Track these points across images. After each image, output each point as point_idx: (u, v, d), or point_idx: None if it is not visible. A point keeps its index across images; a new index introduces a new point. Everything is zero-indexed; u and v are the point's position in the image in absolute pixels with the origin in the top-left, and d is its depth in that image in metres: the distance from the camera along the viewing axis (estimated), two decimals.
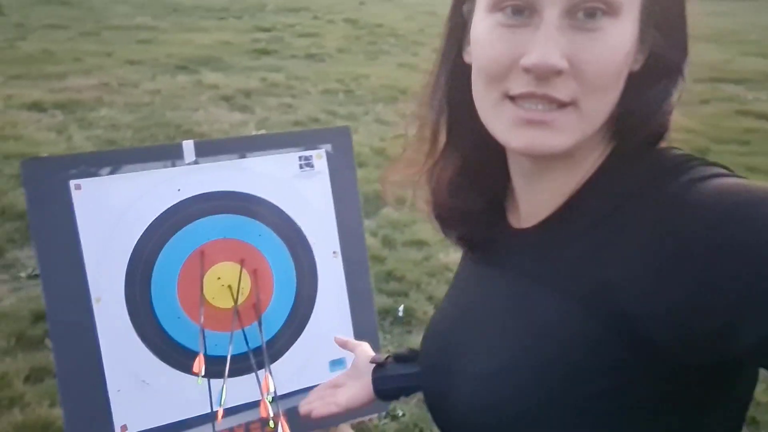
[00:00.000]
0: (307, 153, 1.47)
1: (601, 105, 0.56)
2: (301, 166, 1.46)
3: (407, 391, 0.94)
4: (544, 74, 0.53)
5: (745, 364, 0.55)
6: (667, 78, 0.58)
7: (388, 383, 0.94)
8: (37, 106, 5.03)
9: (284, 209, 1.46)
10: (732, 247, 0.47)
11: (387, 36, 8.22)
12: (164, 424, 1.40)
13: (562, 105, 0.55)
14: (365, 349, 1.04)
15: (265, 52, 7.03)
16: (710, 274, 0.47)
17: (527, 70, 0.54)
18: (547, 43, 0.53)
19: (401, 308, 2.70)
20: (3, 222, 3.29)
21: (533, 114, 0.55)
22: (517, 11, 0.54)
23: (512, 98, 0.56)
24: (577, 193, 0.60)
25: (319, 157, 1.47)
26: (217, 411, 1.26)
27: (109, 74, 5.89)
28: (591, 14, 0.53)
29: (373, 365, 0.97)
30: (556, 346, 0.56)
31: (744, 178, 0.52)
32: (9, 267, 2.97)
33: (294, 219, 1.48)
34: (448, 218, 0.72)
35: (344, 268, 1.54)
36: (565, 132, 0.55)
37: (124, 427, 1.39)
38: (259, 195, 1.44)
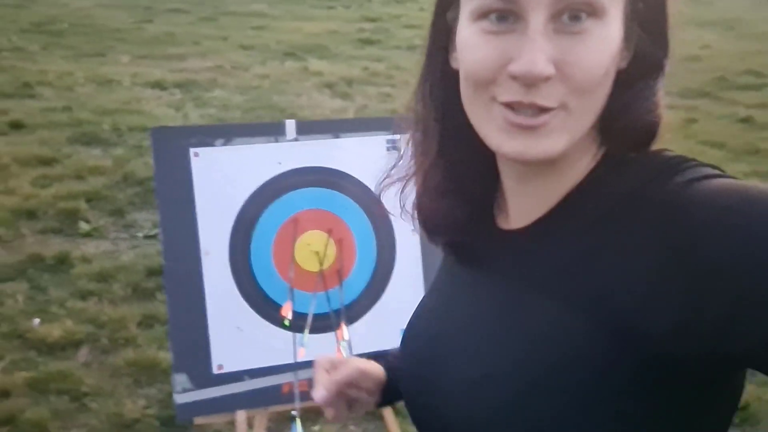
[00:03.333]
0: (394, 136, 1.61)
1: (590, 106, 0.55)
2: (387, 149, 1.61)
3: None
4: (532, 82, 0.53)
5: (733, 373, 0.55)
6: (651, 75, 0.58)
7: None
8: (159, 85, 5.47)
9: (370, 186, 1.61)
10: (727, 248, 0.47)
11: None
12: (254, 367, 1.60)
13: (550, 109, 0.54)
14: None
15: (369, 42, 7.25)
16: (706, 276, 0.47)
17: (515, 78, 0.53)
18: (533, 50, 0.52)
19: None
20: (126, 187, 3.67)
21: (522, 119, 0.54)
22: (502, 18, 0.54)
23: (501, 103, 0.55)
24: (569, 195, 0.59)
25: (404, 140, 1.61)
26: (300, 352, 1.43)
27: (223, 57, 6.30)
28: (575, 17, 0.52)
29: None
30: (546, 350, 0.55)
31: (736, 178, 0.52)
32: (129, 227, 3.32)
33: (378, 196, 1.63)
34: (434, 225, 0.70)
35: (421, 244, 1.67)
36: (555, 135, 0.54)
37: (220, 366, 1.59)
38: (348, 172, 1.60)
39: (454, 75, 0.61)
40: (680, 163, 0.55)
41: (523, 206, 0.63)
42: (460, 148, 0.65)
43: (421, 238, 1.68)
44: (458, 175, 0.66)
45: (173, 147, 1.49)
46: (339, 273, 1.61)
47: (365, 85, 5.73)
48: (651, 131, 0.57)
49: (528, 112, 0.54)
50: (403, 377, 0.72)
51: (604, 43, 0.53)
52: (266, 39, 7.06)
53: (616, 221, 0.54)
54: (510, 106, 0.55)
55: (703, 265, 0.47)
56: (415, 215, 0.71)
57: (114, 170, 3.82)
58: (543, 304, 0.57)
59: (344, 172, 1.58)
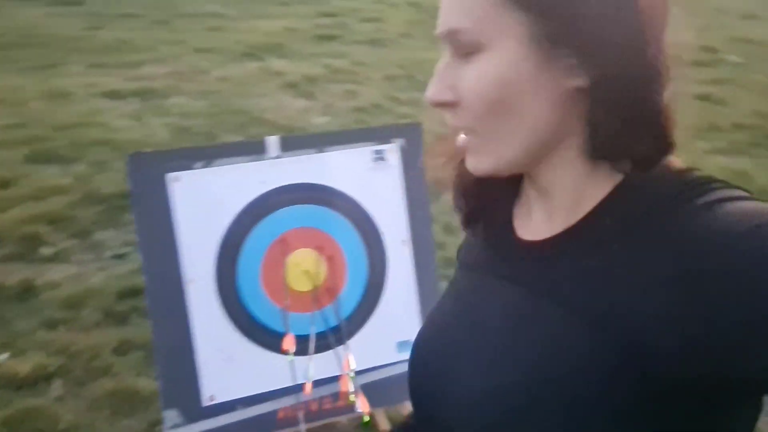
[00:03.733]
0: (381, 147, 1.56)
1: (497, 129, 0.58)
2: (374, 159, 1.56)
3: None
4: (434, 106, 0.60)
5: (745, 399, 0.55)
6: (630, 88, 0.55)
7: None
8: (115, 95, 5.28)
9: (358, 200, 1.56)
10: (746, 272, 0.47)
11: None
12: (247, 395, 1.53)
13: (470, 132, 0.60)
14: None
15: (328, 38, 7.14)
16: (722, 300, 0.47)
17: None
18: (434, 80, 0.59)
19: None
20: (89, 205, 3.52)
21: (461, 141, 0.62)
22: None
23: None
24: (592, 211, 0.60)
25: (392, 151, 1.56)
26: (304, 384, 1.37)
27: (181, 62, 6.12)
28: (466, 53, 0.57)
29: None
30: (560, 363, 0.55)
31: (761, 200, 0.52)
32: (95, 248, 3.19)
33: (367, 209, 1.57)
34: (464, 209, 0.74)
35: (413, 256, 1.63)
36: (478, 155, 0.61)
37: (212, 397, 1.53)
38: (335, 187, 1.55)
39: None
40: (704, 184, 0.55)
41: (545, 219, 0.64)
42: None
43: (413, 249, 1.64)
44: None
45: (151, 172, 1.41)
46: (331, 291, 1.55)
47: (329, 83, 5.64)
48: (665, 141, 0.56)
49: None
50: (411, 384, 0.72)
51: (490, 72, 0.56)
52: (223, 40, 6.90)
53: (634, 240, 0.54)
54: None
55: (719, 289, 0.48)
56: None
57: (75, 188, 3.67)
58: (556, 316, 0.57)
59: (331, 187, 1.53)
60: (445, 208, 3.56)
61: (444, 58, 0.59)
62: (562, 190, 0.61)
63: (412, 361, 0.73)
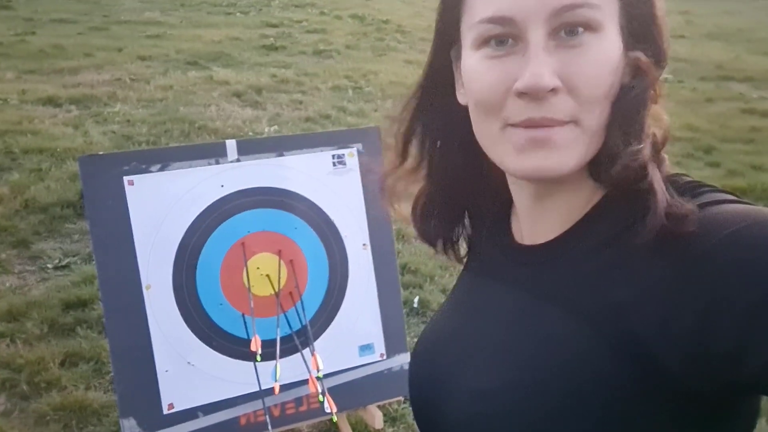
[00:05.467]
0: (340, 152, 1.57)
1: (600, 119, 0.55)
2: (334, 164, 1.57)
3: None
4: (539, 95, 0.53)
5: (745, 397, 0.55)
6: (647, 86, 0.57)
7: None
8: (52, 101, 5.10)
9: (318, 204, 1.57)
10: (739, 269, 0.47)
11: (394, 32, 8.29)
12: (207, 403, 1.51)
13: (562, 123, 0.54)
14: None
15: (273, 49, 7.11)
16: (718, 298, 0.47)
17: (521, 95, 0.54)
18: (537, 64, 0.53)
19: (416, 300, 2.80)
20: (27, 215, 3.38)
21: (536, 133, 0.55)
22: (501, 42, 0.55)
23: (514, 125, 0.56)
24: (587, 213, 0.60)
25: (351, 155, 1.58)
26: (274, 387, 1.36)
27: (120, 69, 5.97)
28: (572, 32, 0.53)
29: None
30: (562, 364, 0.55)
31: (751, 204, 0.53)
32: (36, 258, 3.06)
33: (327, 213, 1.58)
34: (429, 239, 0.74)
35: (373, 259, 1.64)
36: (569, 150, 0.55)
37: (171, 405, 1.49)
38: (295, 191, 1.55)
39: (460, 111, 0.63)
40: (695, 188, 0.55)
41: (540, 224, 0.63)
42: (447, 176, 0.68)
43: (373, 253, 1.65)
44: (437, 201, 0.70)
45: (105, 176, 1.37)
46: (292, 295, 1.55)
47: (275, 93, 5.61)
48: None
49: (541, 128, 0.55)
50: (412, 385, 0.71)
51: (603, 55, 0.54)
52: (165, 48, 6.77)
53: (630, 243, 0.54)
54: (523, 126, 0.55)
55: (714, 287, 0.48)
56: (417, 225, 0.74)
57: (12, 198, 3.52)
58: (559, 319, 0.57)
59: (291, 191, 1.53)
60: (396, 216, 3.60)
61: (537, 41, 0.53)
62: (566, 197, 0.60)
63: (413, 368, 0.72)
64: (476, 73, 0.57)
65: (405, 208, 0.74)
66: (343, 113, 5.24)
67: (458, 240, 0.74)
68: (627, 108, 0.55)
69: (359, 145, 1.61)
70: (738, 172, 4.54)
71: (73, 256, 3.06)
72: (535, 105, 0.54)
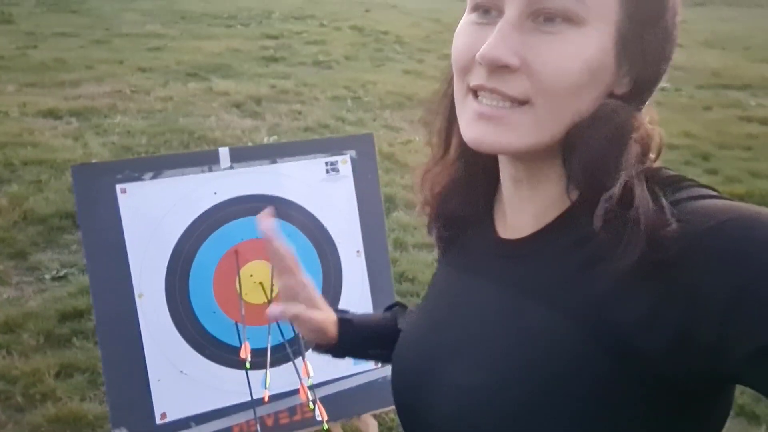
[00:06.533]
0: (333, 158, 1.57)
1: (558, 110, 0.55)
2: (327, 171, 1.56)
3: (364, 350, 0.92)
4: (490, 66, 0.54)
5: (725, 387, 0.55)
6: (639, 100, 0.59)
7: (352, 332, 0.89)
8: (52, 114, 5.12)
9: (312, 211, 1.56)
10: (721, 261, 0.48)
11: (393, 43, 8.32)
12: (200, 412, 1.49)
13: (517, 103, 0.55)
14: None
15: (273, 60, 7.14)
16: (700, 289, 0.48)
17: (479, 63, 0.55)
18: (498, 38, 0.53)
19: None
20: (26, 226, 3.39)
21: (486, 108, 0.56)
22: (486, 11, 0.56)
23: (474, 93, 0.57)
24: (569, 209, 0.59)
25: (345, 162, 1.57)
26: (263, 395, 1.35)
27: (121, 81, 6.00)
28: (550, 19, 0.54)
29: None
30: (545, 359, 0.55)
31: (732, 199, 0.54)
32: (33, 269, 3.06)
33: (321, 220, 1.57)
34: (435, 220, 0.74)
35: (367, 266, 1.63)
36: (516, 131, 0.55)
37: (163, 415, 1.48)
38: (288, 198, 1.54)
39: None
40: (678, 182, 0.55)
41: (521, 216, 0.63)
42: (465, 153, 0.67)
43: (367, 260, 1.65)
44: (463, 179, 0.69)
45: (98, 184, 1.37)
46: None
47: (275, 103, 5.62)
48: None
49: (494, 103, 0.56)
50: (395, 381, 0.71)
51: (576, 49, 0.54)
52: (165, 60, 6.80)
53: (611, 237, 0.53)
54: (475, 93, 0.57)
55: (695, 278, 0.48)
56: (424, 210, 0.74)
57: (10, 209, 3.53)
58: (540, 313, 0.57)
59: (284, 198, 1.52)
60: (395, 224, 3.59)
61: (510, 16, 0.54)
62: (543, 187, 0.60)
63: (397, 365, 0.72)
64: (458, 35, 0.59)
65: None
66: (341, 123, 5.25)
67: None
68: (592, 140, 0.55)
69: (353, 152, 1.61)
70: (736, 179, 4.53)
71: (71, 267, 3.06)
72: (489, 75, 0.55)
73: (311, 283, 0.88)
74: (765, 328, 0.45)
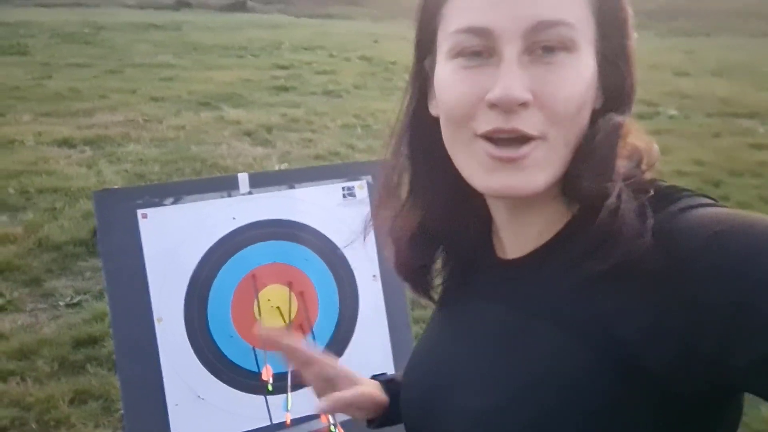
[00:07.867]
0: (350, 183, 1.59)
1: (569, 137, 0.56)
2: (344, 195, 1.58)
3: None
4: (510, 107, 0.54)
5: (732, 396, 0.55)
6: (621, 111, 0.59)
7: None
8: (66, 143, 5.21)
9: (328, 236, 1.57)
10: (719, 273, 0.47)
11: (401, 72, 8.43)
12: None
13: (530, 139, 0.55)
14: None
15: (284, 89, 7.24)
16: (700, 300, 0.48)
17: (493, 106, 0.54)
18: (510, 77, 0.53)
19: None
20: (40, 253, 3.42)
21: (503, 152, 0.55)
22: (476, 54, 0.56)
23: (482, 137, 0.56)
24: (566, 226, 0.60)
25: (361, 187, 1.59)
26: (285, 417, 1.35)
27: (134, 110, 6.09)
28: (548, 49, 0.54)
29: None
30: (553, 377, 0.55)
31: (729, 207, 0.54)
32: (48, 296, 3.08)
33: (337, 244, 1.59)
34: (412, 275, 0.72)
35: (383, 291, 1.64)
36: (538, 168, 0.55)
37: None
38: (306, 222, 1.56)
39: (431, 123, 0.62)
40: (674, 192, 0.56)
41: (520, 237, 0.63)
42: (433, 197, 0.66)
43: (383, 284, 1.65)
44: (431, 225, 0.67)
45: (119, 209, 1.39)
46: (303, 327, 1.54)
47: (285, 132, 5.69)
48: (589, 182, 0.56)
49: (509, 145, 0.55)
50: (405, 409, 0.71)
51: (577, 75, 0.55)
52: (177, 90, 6.91)
53: (610, 252, 0.54)
54: (491, 138, 0.56)
55: (696, 290, 0.48)
56: (394, 263, 0.73)
57: (25, 237, 3.57)
58: (545, 332, 0.57)
59: (301, 223, 1.54)
60: None
61: (511, 55, 0.54)
62: (540, 206, 0.60)
63: (406, 394, 0.72)
64: (448, 82, 0.57)
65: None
66: (351, 150, 5.30)
67: (432, 270, 0.72)
68: (594, 149, 0.56)
69: (369, 177, 1.62)
70: (747, 205, 4.52)
71: (85, 294, 3.08)
72: (505, 117, 0.54)
73: (337, 361, 0.88)
74: (766, 336, 0.45)
